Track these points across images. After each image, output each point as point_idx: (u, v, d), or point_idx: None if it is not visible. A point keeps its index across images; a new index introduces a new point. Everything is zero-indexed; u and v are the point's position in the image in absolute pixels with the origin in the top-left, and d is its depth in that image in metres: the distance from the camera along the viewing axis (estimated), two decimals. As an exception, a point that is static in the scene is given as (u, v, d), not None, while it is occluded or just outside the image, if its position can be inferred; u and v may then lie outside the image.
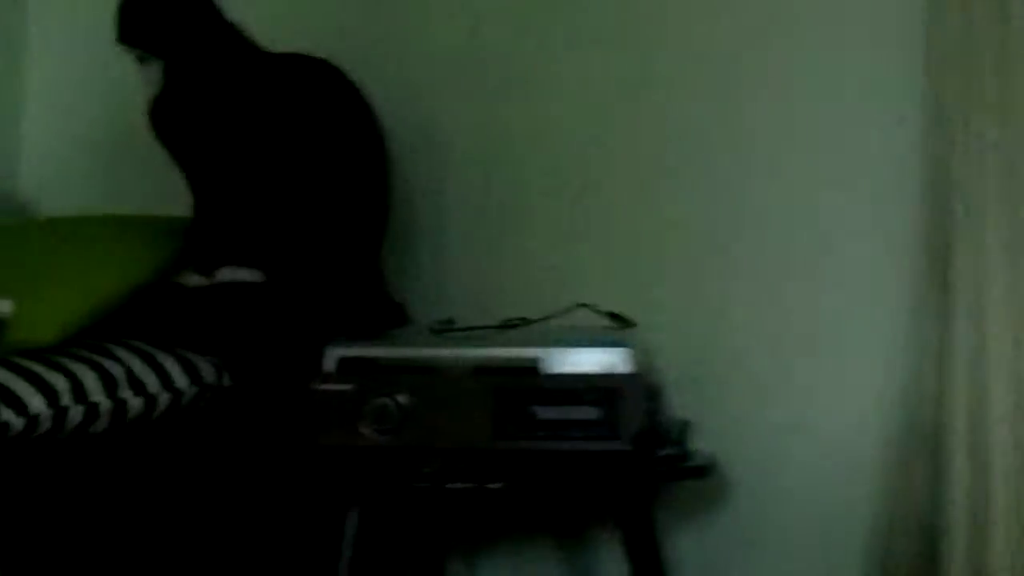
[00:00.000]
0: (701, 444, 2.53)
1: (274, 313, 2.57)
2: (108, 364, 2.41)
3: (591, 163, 2.80)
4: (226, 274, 2.61)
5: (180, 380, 2.50)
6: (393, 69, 2.88)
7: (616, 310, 2.58)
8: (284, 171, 2.60)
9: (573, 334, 2.49)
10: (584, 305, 2.57)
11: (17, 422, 2.22)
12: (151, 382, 2.46)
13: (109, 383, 2.38)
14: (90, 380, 2.36)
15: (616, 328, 2.56)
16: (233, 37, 2.67)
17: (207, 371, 2.55)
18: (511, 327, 2.56)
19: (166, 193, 2.75)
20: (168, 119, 2.65)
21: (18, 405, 2.23)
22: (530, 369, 2.36)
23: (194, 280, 2.63)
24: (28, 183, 3.19)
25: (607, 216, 2.78)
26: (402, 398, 2.36)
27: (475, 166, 2.89)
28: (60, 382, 2.31)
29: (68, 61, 3.18)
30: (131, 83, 2.70)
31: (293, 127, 2.61)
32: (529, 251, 2.85)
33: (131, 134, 2.77)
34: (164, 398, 2.47)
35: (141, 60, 2.64)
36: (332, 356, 2.41)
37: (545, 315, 2.57)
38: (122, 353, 2.46)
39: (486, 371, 2.37)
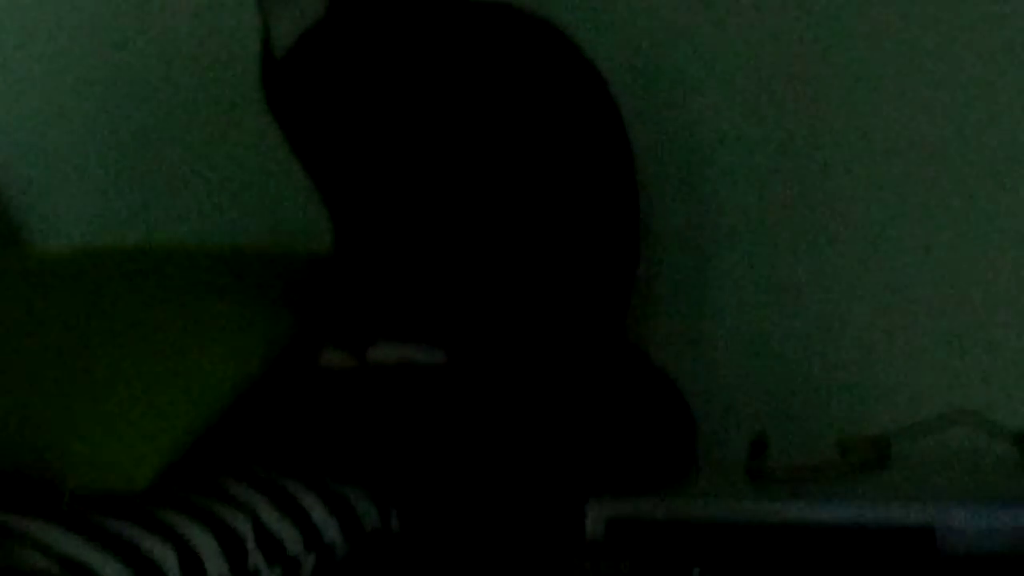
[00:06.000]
0: None
1: (472, 419, 1.62)
2: (228, 516, 1.50)
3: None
4: (384, 352, 1.66)
5: (330, 531, 1.58)
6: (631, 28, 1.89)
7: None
8: (484, 183, 1.65)
9: (976, 478, 1.60)
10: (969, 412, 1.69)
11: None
12: (290, 539, 1.54)
13: (233, 548, 1.48)
14: (205, 546, 1.45)
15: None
16: None
17: (367, 513, 1.62)
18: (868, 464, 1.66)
19: (215, 205, 1.94)
20: (309, 79, 1.67)
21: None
22: (922, 538, 1.47)
23: (337, 359, 1.68)
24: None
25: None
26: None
27: (758, 162, 1.87)
28: (162, 552, 1.41)
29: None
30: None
31: (499, 115, 1.66)
32: (855, 295, 1.83)
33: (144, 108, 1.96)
34: (309, 562, 1.56)
35: None
36: (597, 515, 1.50)
37: (906, 424, 1.68)
38: (246, 495, 1.55)
39: (845, 540, 1.47)
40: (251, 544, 1.50)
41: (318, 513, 1.58)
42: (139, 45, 2.09)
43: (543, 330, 1.67)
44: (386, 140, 1.66)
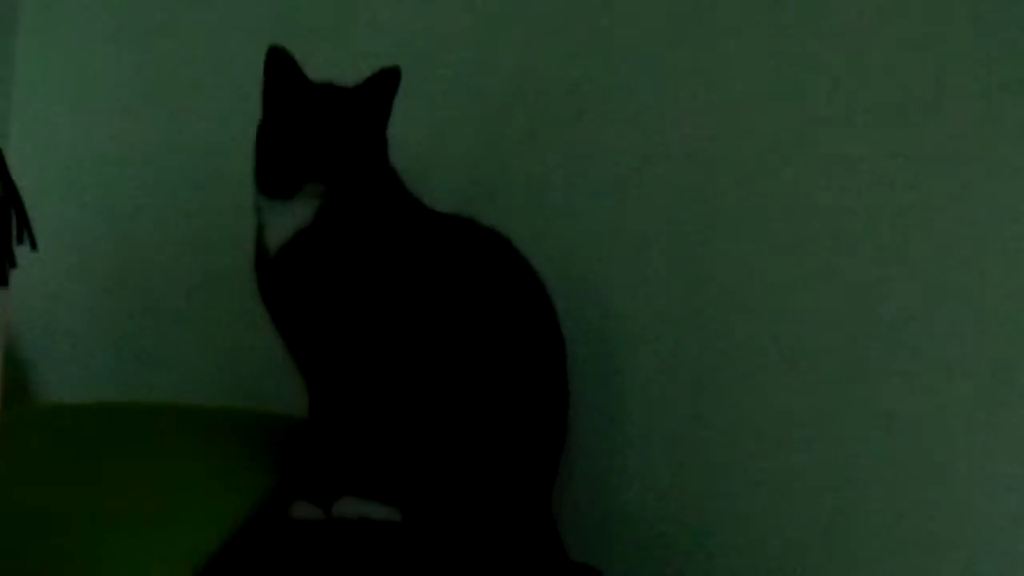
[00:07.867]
0: None
1: (418, 572, 1.88)
2: None
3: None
4: (348, 507, 1.93)
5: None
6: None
7: None
8: (439, 368, 1.94)
9: None
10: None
11: None
12: None
13: None
14: None
15: None
16: (396, 184, 2.04)
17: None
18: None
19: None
20: (297, 273, 1.97)
21: None
22: None
23: (305, 511, 1.95)
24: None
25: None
26: None
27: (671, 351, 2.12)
28: None
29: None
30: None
31: (453, 309, 1.96)
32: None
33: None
34: None
35: (286, 196, 1.98)
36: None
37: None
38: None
39: None
40: None
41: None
42: (144, 226, 2.43)
43: (484, 499, 1.93)
44: (357, 327, 1.95)
